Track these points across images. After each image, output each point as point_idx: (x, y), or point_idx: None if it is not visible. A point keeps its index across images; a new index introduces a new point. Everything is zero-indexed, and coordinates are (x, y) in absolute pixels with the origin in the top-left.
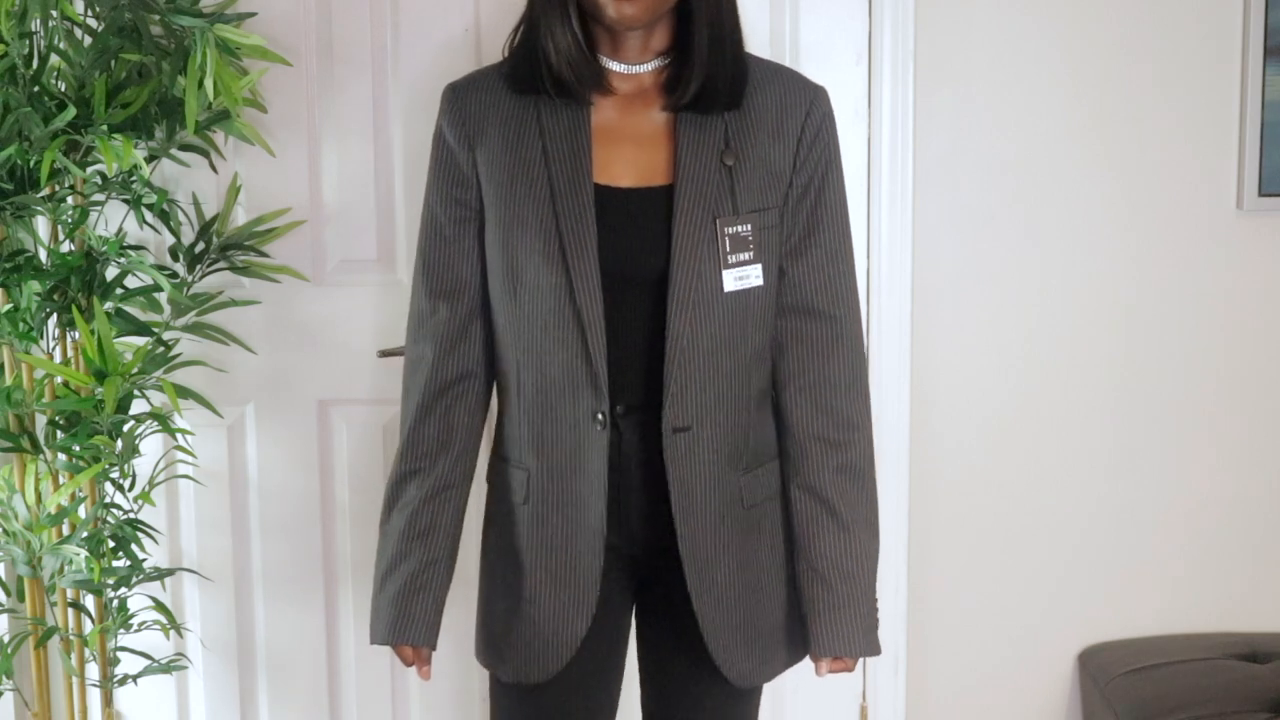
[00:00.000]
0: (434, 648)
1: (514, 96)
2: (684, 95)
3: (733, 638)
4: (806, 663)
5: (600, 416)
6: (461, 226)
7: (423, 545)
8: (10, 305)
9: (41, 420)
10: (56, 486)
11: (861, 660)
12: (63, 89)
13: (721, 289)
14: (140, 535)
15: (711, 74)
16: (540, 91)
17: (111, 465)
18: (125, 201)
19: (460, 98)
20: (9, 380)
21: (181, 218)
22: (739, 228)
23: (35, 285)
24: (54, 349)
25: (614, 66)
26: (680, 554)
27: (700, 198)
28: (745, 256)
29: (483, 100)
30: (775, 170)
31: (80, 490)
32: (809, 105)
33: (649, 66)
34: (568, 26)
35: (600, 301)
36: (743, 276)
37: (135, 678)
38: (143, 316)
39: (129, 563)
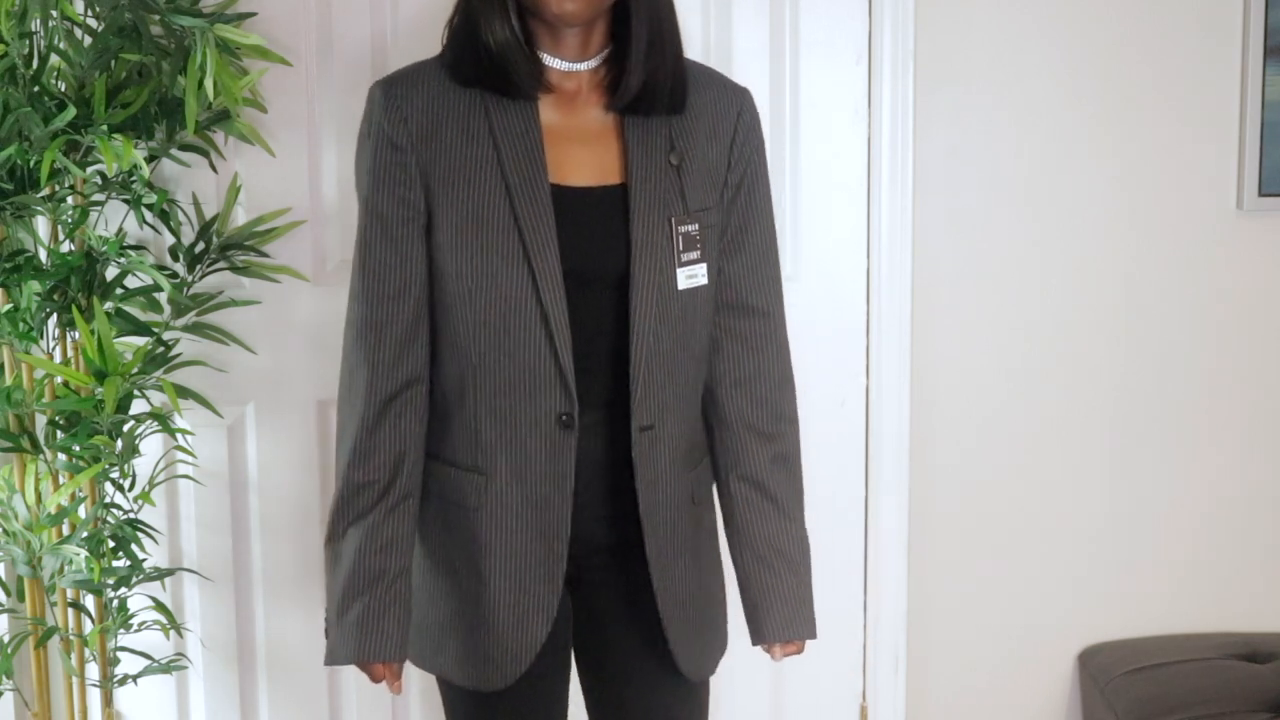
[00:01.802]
0: (405, 660)
1: (458, 91)
2: (625, 95)
3: (686, 632)
4: (807, 662)
5: (565, 417)
6: (408, 227)
7: (387, 558)
8: (10, 305)
9: (41, 420)
10: (56, 486)
11: (861, 660)
12: (63, 89)
13: (676, 287)
14: (140, 535)
15: (651, 74)
16: (483, 86)
17: (111, 465)
18: (125, 201)
19: (403, 95)
20: (9, 380)
21: (181, 218)
22: (689, 227)
23: (35, 285)
24: (54, 349)
25: (554, 64)
26: (646, 552)
27: (655, 197)
28: (694, 255)
29: (428, 97)
30: (713, 170)
31: (80, 490)
32: (740, 106)
33: (588, 65)
34: (506, 22)
35: (564, 301)
36: (692, 275)
37: (135, 678)
38: (143, 316)
39: (129, 563)
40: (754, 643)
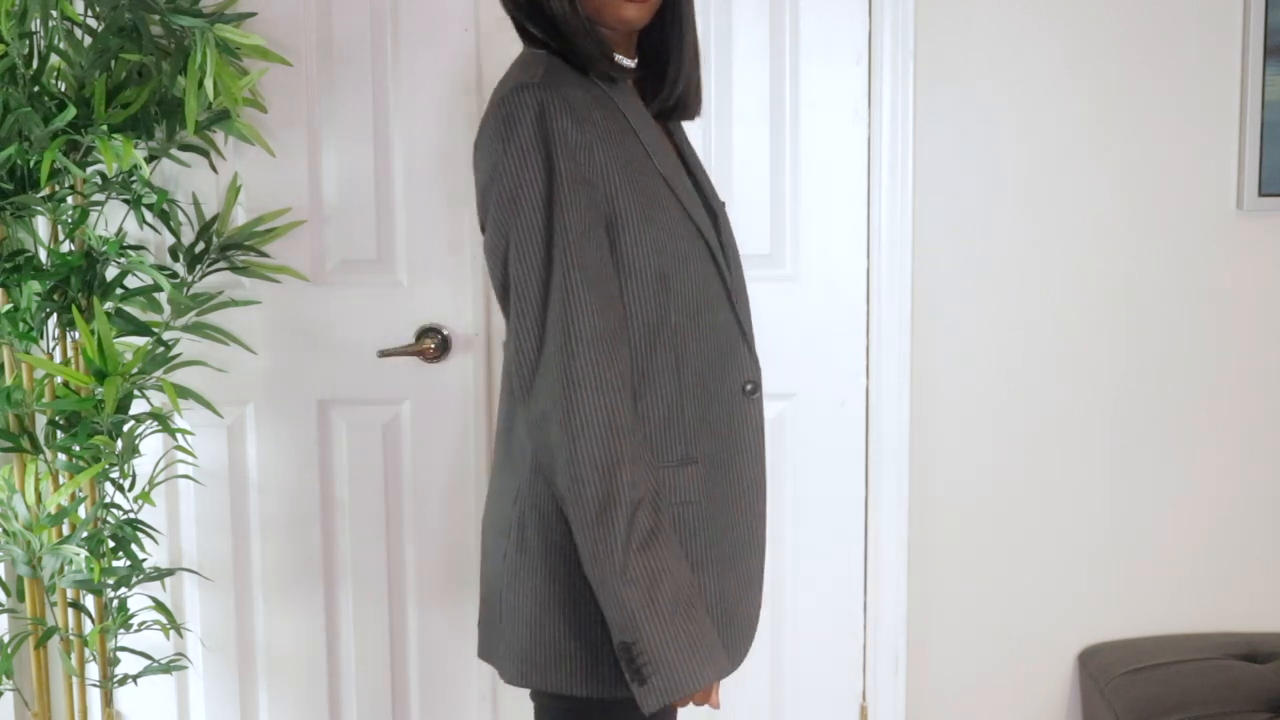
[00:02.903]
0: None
1: (588, 83)
2: (669, 96)
3: None
4: (806, 662)
5: (750, 385)
6: (600, 227)
7: (686, 566)
8: (10, 305)
9: (41, 420)
10: (56, 486)
11: (861, 660)
12: (63, 89)
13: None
14: (140, 535)
15: (689, 78)
16: (596, 74)
17: (111, 465)
18: (125, 201)
19: (568, 95)
20: (9, 380)
21: (181, 218)
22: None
23: (35, 285)
24: (54, 349)
25: (620, 61)
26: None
27: (707, 185)
28: None
29: (581, 91)
30: None
31: (80, 490)
32: None
33: (632, 65)
34: (583, 20)
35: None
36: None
37: (135, 678)
38: (143, 316)
39: (129, 563)
40: None
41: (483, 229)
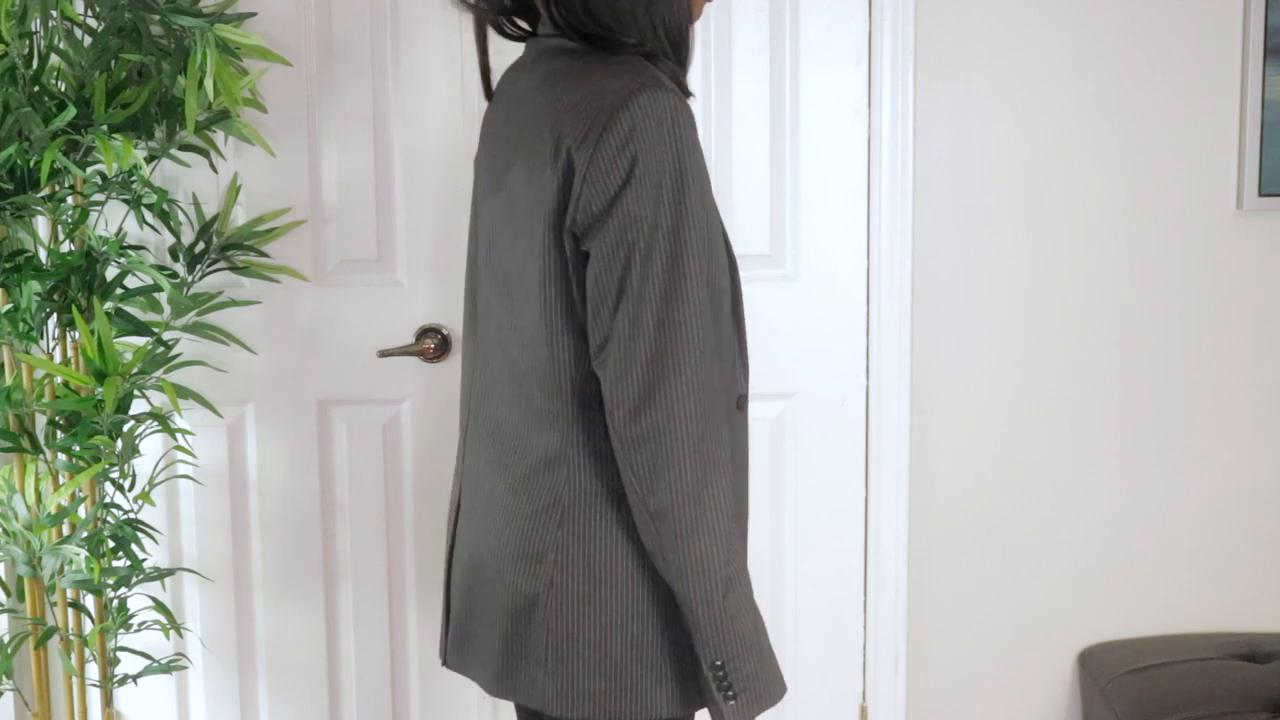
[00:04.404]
0: None
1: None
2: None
3: None
4: (807, 663)
5: (742, 399)
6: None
7: None
8: (10, 305)
9: (41, 420)
10: (56, 486)
11: (861, 660)
12: (63, 89)
13: None
14: (140, 535)
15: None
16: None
17: (111, 465)
18: (125, 201)
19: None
20: (9, 380)
21: (181, 218)
22: None
23: (35, 285)
24: (54, 349)
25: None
26: None
27: None
28: None
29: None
30: None
31: (80, 490)
32: None
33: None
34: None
35: None
36: None
37: (135, 678)
38: (143, 316)
39: (129, 563)
40: None
41: (570, 233)
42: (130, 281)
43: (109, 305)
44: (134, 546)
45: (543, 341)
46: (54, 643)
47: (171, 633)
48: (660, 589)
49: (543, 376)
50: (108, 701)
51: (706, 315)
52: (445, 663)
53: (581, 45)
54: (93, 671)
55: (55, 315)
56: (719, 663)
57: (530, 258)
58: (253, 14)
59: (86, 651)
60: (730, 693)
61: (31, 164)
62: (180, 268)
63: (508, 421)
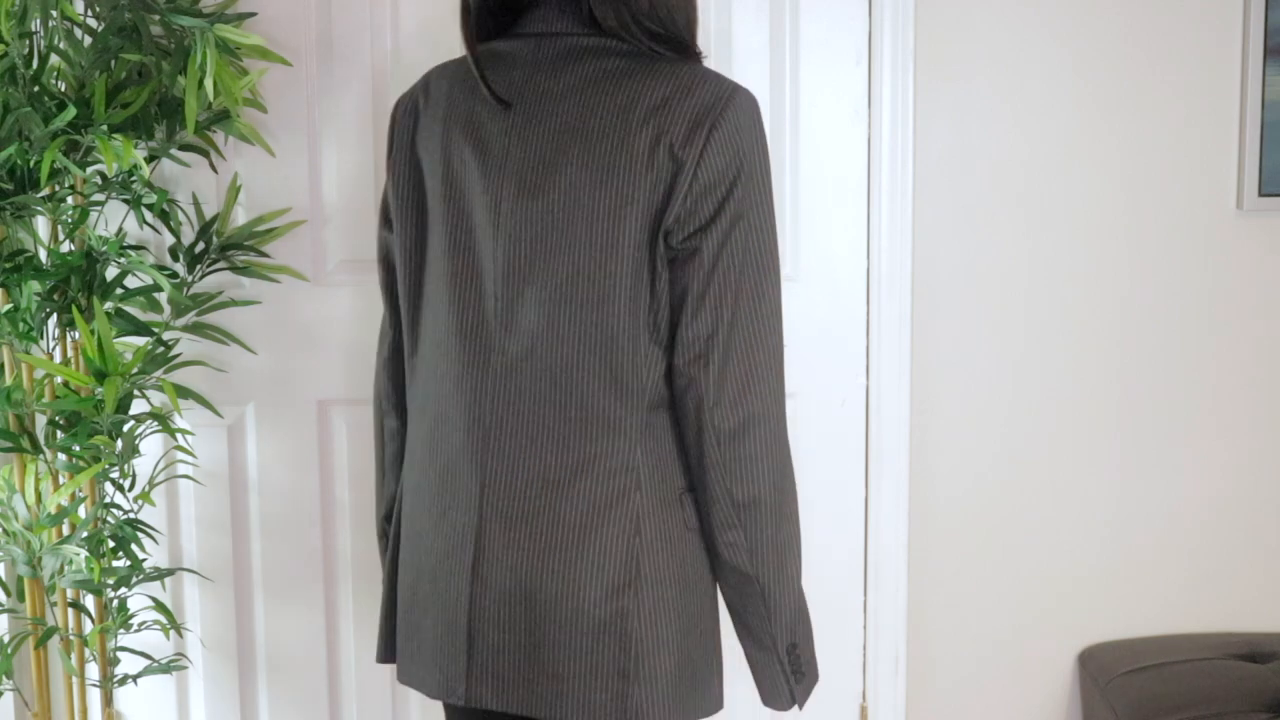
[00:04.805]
0: None
1: None
2: None
3: None
4: None
5: None
6: None
7: None
8: (10, 305)
9: (41, 420)
10: (56, 486)
11: (861, 660)
12: (63, 89)
13: None
14: (140, 535)
15: None
16: None
17: (111, 465)
18: (125, 201)
19: None
20: (9, 380)
21: (181, 218)
22: None
23: (35, 285)
24: (54, 349)
25: None
26: None
27: None
28: None
29: None
30: None
31: (80, 490)
32: None
33: None
34: None
35: None
36: None
37: (135, 678)
38: (143, 316)
39: (129, 563)
40: None
41: (665, 231)
42: (130, 281)
43: (109, 305)
44: (134, 546)
45: (618, 346)
46: (54, 643)
47: (171, 633)
48: (713, 584)
49: (612, 382)
50: (108, 701)
51: (781, 306)
52: (450, 696)
53: (647, 47)
54: (93, 671)
55: (55, 315)
56: (795, 643)
57: (608, 260)
58: (253, 14)
59: (86, 651)
60: (801, 673)
61: (31, 164)
62: (180, 268)
63: (556, 437)
